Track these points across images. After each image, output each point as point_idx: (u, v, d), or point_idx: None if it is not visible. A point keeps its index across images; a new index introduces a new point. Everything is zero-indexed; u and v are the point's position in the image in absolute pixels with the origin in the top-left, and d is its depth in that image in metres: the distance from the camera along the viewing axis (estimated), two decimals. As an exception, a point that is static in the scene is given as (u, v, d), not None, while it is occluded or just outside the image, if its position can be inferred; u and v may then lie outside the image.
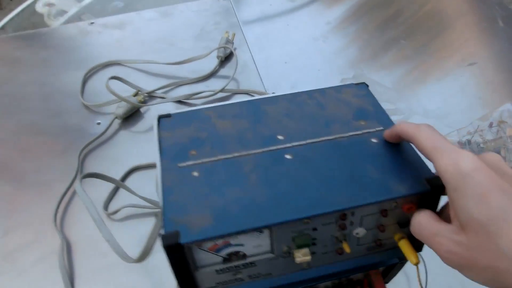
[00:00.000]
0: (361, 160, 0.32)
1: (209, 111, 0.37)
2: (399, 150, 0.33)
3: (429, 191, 0.29)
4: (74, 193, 0.52)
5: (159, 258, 0.41)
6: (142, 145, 0.57)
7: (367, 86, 0.39)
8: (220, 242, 0.29)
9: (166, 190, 0.30)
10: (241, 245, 0.30)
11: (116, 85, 0.58)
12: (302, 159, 0.32)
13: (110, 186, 0.51)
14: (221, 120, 0.36)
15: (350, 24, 0.77)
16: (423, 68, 0.69)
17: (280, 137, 0.34)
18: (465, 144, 0.55)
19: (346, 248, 0.32)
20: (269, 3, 0.79)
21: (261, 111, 0.37)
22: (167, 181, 0.31)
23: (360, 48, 0.72)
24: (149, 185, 0.50)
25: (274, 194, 0.30)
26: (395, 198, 0.30)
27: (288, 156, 0.32)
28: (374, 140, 0.33)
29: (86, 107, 0.61)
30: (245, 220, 0.28)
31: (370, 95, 0.38)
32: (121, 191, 0.52)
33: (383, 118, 0.35)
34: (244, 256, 0.31)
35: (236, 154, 0.32)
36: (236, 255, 0.30)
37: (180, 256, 0.28)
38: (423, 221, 0.28)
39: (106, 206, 0.50)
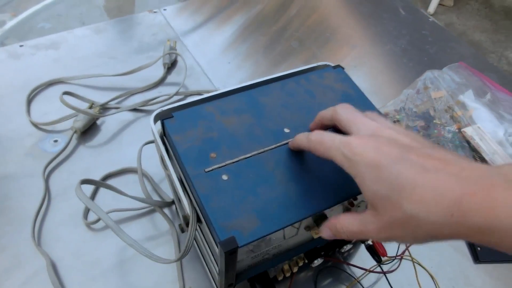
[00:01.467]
0: None
1: (210, 107, 0.38)
2: None
3: None
4: (46, 212, 0.50)
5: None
6: (105, 156, 0.57)
7: (343, 69, 0.44)
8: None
9: (205, 198, 0.31)
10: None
11: (67, 100, 0.57)
12: None
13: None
14: (225, 117, 0.37)
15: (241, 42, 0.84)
16: (355, 54, 0.79)
17: (286, 130, 0.37)
18: (401, 110, 0.64)
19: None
20: (201, 12, 0.83)
21: (259, 104, 0.39)
22: (202, 189, 0.32)
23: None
24: (128, 189, 0.50)
25: (301, 188, 0.33)
26: None
27: None
28: None
29: (37, 127, 0.58)
30: (286, 216, 0.31)
31: (348, 79, 0.43)
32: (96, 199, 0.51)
33: (365, 102, 0.41)
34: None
35: (254, 153, 0.35)
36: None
37: (234, 257, 0.30)
38: (345, 223, 0.29)
39: (85, 215, 0.49)
